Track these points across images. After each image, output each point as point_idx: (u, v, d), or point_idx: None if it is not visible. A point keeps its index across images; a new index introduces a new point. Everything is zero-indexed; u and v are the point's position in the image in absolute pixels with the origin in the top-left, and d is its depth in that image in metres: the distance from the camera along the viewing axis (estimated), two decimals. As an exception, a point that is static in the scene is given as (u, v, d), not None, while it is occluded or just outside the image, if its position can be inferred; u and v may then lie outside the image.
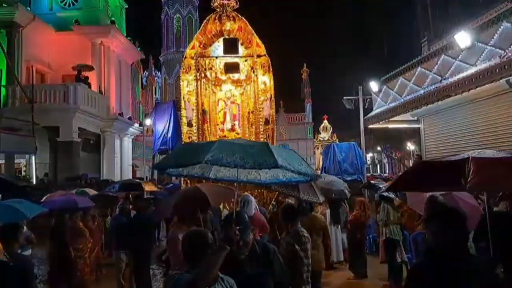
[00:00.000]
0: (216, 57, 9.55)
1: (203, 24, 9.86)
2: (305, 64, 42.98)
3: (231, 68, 9.48)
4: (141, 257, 6.80)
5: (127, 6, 25.12)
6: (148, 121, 24.52)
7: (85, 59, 19.64)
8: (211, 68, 9.60)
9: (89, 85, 19.05)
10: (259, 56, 9.51)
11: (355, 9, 75.30)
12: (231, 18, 9.58)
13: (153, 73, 41.79)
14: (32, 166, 16.81)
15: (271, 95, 9.55)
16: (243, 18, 9.67)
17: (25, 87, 16.75)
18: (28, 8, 19.41)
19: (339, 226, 9.02)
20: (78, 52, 19.66)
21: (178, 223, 5.05)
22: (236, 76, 9.70)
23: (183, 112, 9.42)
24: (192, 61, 9.47)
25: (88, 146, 19.73)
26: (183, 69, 9.52)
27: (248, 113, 9.78)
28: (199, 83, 9.50)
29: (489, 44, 8.82)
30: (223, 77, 9.74)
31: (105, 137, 20.80)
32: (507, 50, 8.17)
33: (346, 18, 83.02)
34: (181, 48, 43.48)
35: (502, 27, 8.46)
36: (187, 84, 9.43)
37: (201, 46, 9.62)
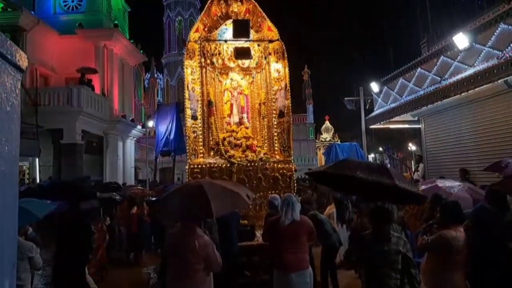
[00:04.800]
0: (225, 41, 8.53)
1: (206, 6, 8.71)
2: (306, 66, 43.22)
3: (242, 53, 8.37)
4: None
5: (130, 9, 25.32)
6: (150, 123, 24.78)
7: (88, 61, 19.79)
8: (218, 54, 8.58)
9: (93, 88, 19.20)
10: (271, 41, 8.50)
11: (356, 11, 75.52)
12: (238, 0, 8.63)
13: (155, 75, 42.04)
14: (36, 169, 16.96)
15: (286, 84, 8.45)
16: (252, 0, 8.68)
17: (29, 90, 16.88)
18: (32, 12, 19.59)
19: (344, 226, 9.12)
20: (81, 55, 19.83)
21: (187, 225, 4.02)
22: (246, 63, 8.71)
23: (187, 103, 8.32)
24: (196, 46, 8.40)
25: (91, 149, 19.86)
26: (187, 54, 8.46)
27: (259, 104, 8.81)
28: (204, 70, 8.49)
29: (487, 46, 8.94)
30: (232, 64, 8.74)
31: (108, 139, 20.92)
32: (504, 51, 8.29)
33: (347, 20, 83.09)
34: (183, 51, 43.59)
35: (499, 28, 8.58)
36: (191, 71, 8.37)
37: (206, 29, 8.55)
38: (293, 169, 8.40)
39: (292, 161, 8.53)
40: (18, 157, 1.29)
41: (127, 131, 23.02)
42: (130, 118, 23.35)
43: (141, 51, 25.91)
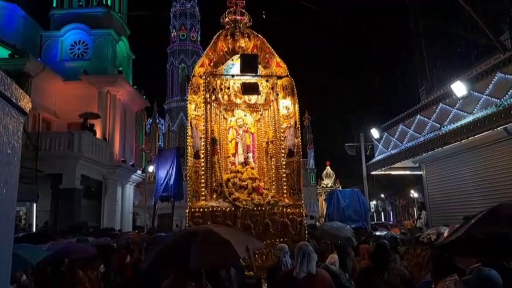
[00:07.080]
0: (232, 76, 8.19)
1: (212, 41, 8.38)
2: (306, 111, 43.87)
3: (249, 88, 8.00)
4: None
5: (134, 57, 26.03)
6: (150, 168, 24.71)
7: (91, 107, 20.05)
8: (223, 89, 8.22)
9: (94, 133, 19.32)
10: (280, 77, 8.17)
11: (356, 58, 77.94)
12: (246, 35, 8.35)
13: (157, 121, 42.52)
14: (33, 214, 16.66)
15: (295, 122, 7.97)
16: (260, 36, 8.40)
17: (30, 135, 16.95)
18: (39, 59, 20.11)
19: (347, 275, 8.80)
20: (84, 100, 20.12)
21: (180, 277, 3.61)
22: (253, 99, 8.33)
23: (189, 141, 7.74)
24: (201, 80, 8.00)
25: (90, 194, 19.64)
26: (191, 89, 8.02)
27: (267, 143, 8.33)
28: (208, 106, 8.07)
29: (485, 93, 9.08)
30: (238, 101, 8.34)
31: (107, 184, 20.74)
32: (502, 99, 8.41)
33: (348, 67, 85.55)
34: (185, 96, 44.29)
35: (496, 77, 8.76)
36: (195, 107, 7.87)
37: (212, 64, 8.30)
38: (304, 214, 7.77)
39: (303, 205, 7.85)
40: (15, 200, 1.24)
41: (127, 176, 22.89)
42: (131, 163, 23.30)
43: (144, 96, 26.34)
